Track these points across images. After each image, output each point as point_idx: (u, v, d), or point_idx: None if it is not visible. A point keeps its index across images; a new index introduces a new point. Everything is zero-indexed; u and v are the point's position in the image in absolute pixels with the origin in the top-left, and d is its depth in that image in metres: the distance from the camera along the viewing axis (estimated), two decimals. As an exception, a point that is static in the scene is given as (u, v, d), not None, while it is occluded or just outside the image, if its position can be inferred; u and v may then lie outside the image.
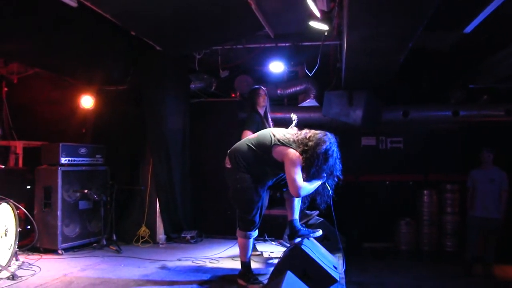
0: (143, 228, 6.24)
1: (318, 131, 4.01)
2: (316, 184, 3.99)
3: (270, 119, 5.47)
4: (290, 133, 4.13)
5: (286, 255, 4.12)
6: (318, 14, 4.82)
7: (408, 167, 8.98)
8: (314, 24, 5.05)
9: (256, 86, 5.54)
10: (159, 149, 6.30)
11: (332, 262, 4.13)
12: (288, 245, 4.74)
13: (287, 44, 6.72)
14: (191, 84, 7.01)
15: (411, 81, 8.17)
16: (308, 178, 3.93)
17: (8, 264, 4.59)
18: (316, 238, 4.44)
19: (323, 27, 4.95)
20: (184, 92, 6.84)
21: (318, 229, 4.41)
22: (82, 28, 5.16)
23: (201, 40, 6.24)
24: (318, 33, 5.67)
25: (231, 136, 5.85)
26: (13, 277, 4.34)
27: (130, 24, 5.36)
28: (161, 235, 6.30)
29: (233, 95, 7.87)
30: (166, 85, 6.41)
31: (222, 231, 6.58)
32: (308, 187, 3.92)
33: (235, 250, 5.58)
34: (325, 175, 3.98)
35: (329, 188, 4.07)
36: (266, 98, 5.45)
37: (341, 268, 4.29)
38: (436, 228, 8.51)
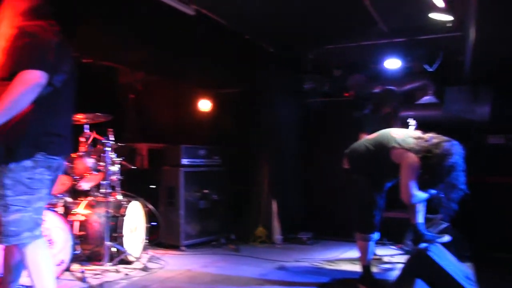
0: (260, 228, 6.31)
1: (445, 139, 3.72)
2: (428, 194, 3.79)
3: (396, 121, 5.21)
4: (411, 135, 3.92)
5: (410, 262, 3.90)
6: (441, 4, 4.52)
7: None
8: (435, 15, 4.76)
9: (394, 91, 5.26)
10: (273, 150, 6.36)
11: (463, 272, 3.84)
12: (410, 250, 4.52)
13: (402, 39, 6.42)
14: (304, 85, 6.99)
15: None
16: (423, 187, 3.73)
17: (140, 257, 4.97)
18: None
19: (447, 18, 4.64)
20: (297, 93, 6.84)
21: (445, 235, 4.13)
22: (198, 35, 5.36)
23: (313, 40, 6.20)
24: (437, 25, 5.34)
25: (345, 136, 5.70)
26: (145, 268, 4.64)
27: (245, 29, 5.49)
28: (277, 235, 6.34)
29: (346, 94, 7.72)
30: (279, 86, 6.46)
31: (338, 233, 6.44)
32: (420, 195, 3.75)
33: (353, 253, 5.44)
34: (442, 186, 3.72)
35: (453, 201, 3.79)
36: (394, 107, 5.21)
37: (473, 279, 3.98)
38: None
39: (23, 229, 2.50)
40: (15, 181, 2.49)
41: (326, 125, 6.93)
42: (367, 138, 4.23)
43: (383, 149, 3.92)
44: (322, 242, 6.39)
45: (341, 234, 6.32)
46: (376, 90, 6.67)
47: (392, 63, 6.96)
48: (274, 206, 6.36)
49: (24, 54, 2.48)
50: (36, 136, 2.53)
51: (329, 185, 6.40)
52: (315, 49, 6.69)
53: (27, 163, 2.50)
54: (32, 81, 2.41)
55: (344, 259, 5.36)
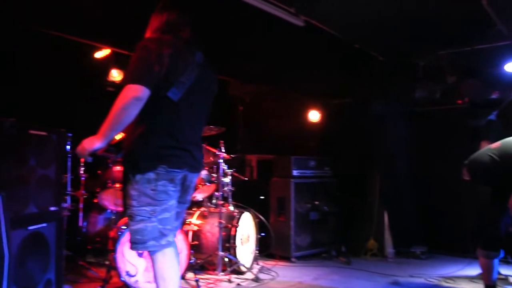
0: (371, 241, 6.14)
1: None
2: None
3: None
4: None
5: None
6: None
7: None
8: None
9: None
10: (385, 161, 6.20)
11: None
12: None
13: (525, 39, 5.94)
14: (415, 93, 6.72)
15: None
16: None
17: (251, 267, 5.04)
18: None
19: None
20: (407, 101, 6.60)
21: None
22: (307, 45, 5.37)
23: (425, 46, 5.96)
24: None
25: (459, 145, 5.44)
26: (257, 279, 4.70)
27: (354, 38, 5.40)
28: (389, 248, 6.12)
29: (459, 101, 7.31)
30: (389, 95, 6.29)
31: (454, 248, 6.10)
32: None
33: (472, 270, 5.11)
34: None
35: None
36: None
37: None
38: None
39: (148, 238, 2.61)
40: (140, 192, 2.61)
41: (439, 134, 6.62)
42: (490, 147, 3.94)
43: (510, 159, 3.63)
44: (437, 257, 6.07)
45: (458, 249, 6.02)
46: (494, 96, 6.24)
47: (513, 67, 6.48)
48: (386, 218, 6.16)
49: (130, 69, 2.58)
50: (157, 149, 2.61)
51: (444, 196, 6.12)
52: (427, 56, 6.42)
53: (150, 175, 2.58)
54: (130, 96, 2.46)
55: (463, 276, 5.04)
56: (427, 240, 6.27)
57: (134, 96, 2.46)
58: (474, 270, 4.97)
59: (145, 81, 2.49)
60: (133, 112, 2.49)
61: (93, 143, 2.54)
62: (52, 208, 3.59)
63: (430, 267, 5.47)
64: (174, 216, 2.75)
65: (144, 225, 2.60)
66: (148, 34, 2.86)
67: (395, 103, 6.35)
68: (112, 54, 5.70)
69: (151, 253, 2.68)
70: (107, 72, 5.98)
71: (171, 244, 2.72)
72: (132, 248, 2.69)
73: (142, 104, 2.50)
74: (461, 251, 5.85)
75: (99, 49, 5.64)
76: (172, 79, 2.60)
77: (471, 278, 4.87)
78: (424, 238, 6.31)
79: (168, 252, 2.69)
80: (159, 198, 2.62)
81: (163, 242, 2.66)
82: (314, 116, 6.89)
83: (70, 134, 4.49)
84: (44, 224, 3.44)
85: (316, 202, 5.94)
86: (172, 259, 2.71)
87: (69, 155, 4.75)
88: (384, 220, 6.17)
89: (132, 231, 2.64)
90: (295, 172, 5.90)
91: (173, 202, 2.72)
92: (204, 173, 5.03)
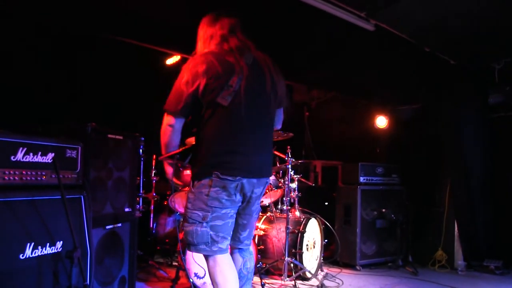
0: (440, 251, 5.92)
1: None
2: None
3: None
4: None
5: None
6: None
7: None
8: None
9: None
10: (457, 169, 5.95)
11: None
12: None
13: None
14: (490, 98, 6.43)
15: None
16: None
17: (316, 274, 5.02)
18: None
19: None
20: (482, 107, 6.32)
21: None
22: (375, 50, 5.29)
23: (502, 48, 5.68)
24: None
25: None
26: (322, 286, 4.64)
27: (425, 41, 5.24)
28: (460, 261, 5.85)
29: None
30: (462, 101, 6.05)
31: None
32: None
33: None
34: None
35: None
36: None
37: None
38: None
39: (199, 241, 2.67)
40: (195, 197, 2.69)
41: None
42: None
43: None
44: (515, 273, 5.75)
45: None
46: None
47: None
48: (456, 228, 5.92)
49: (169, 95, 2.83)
50: (210, 155, 2.67)
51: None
52: (504, 59, 6.12)
53: (205, 181, 2.66)
54: (165, 123, 2.80)
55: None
56: (503, 253, 5.94)
57: (168, 124, 2.78)
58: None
59: (173, 110, 2.75)
60: (171, 135, 2.80)
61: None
62: (127, 209, 3.74)
63: (505, 284, 5.19)
64: (229, 224, 2.76)
65: (195, 228, 2.67)
66: (197, 46, 2.97)
67: (468, 109, 6.10)
68: (182, 60, 5.85)
69: (205, 257, 2.75)
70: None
71: (224, 251, 2.74)
72: (187, 248, 2.78)
73: (177, 129, 2.79)
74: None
75: (170, 55, 5.80)
76: (217, 85, 2.64)
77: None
78: (499, 251, 6.00)
79: (220, 258, 2.71)
80: (211, 205, 2.66)
81: (214, 248, 2.68)
82: (381, 122, 6.75)
83: (142, 138, 4.66)
84: (119, 224, 3.59)
85: (383, 210, 5.82)
86: (225, 266, 2.72)
87: (142, 159, 4.93)
88: (454, 230, 5.92)
89: (185, 232, 2.72)
90: (362, 179, 5.82)
91: (227, 211, 2.72)
92: (272, 178, 5.04)
